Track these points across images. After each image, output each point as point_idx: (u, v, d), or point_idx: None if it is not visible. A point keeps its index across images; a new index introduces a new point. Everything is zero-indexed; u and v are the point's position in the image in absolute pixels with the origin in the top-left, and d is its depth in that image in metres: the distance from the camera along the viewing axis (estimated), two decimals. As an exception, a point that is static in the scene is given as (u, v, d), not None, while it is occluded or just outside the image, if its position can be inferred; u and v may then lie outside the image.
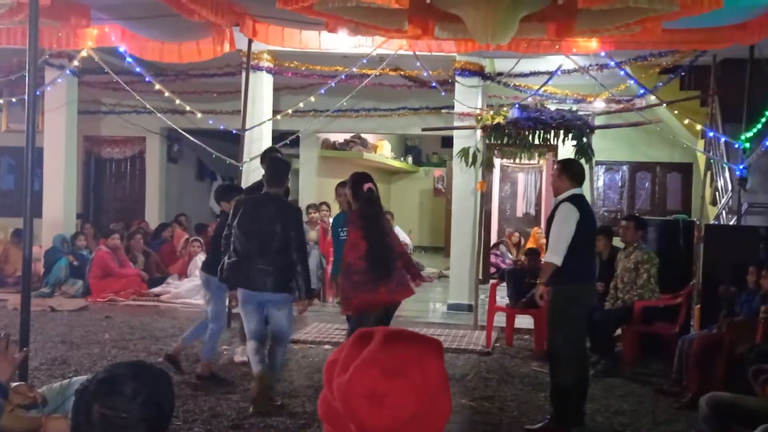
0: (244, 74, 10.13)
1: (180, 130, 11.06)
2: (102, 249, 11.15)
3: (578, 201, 5.60)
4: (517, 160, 12.62)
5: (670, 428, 5.84)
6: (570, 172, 5.75)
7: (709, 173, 10.75)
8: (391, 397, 1.28)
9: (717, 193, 10.58)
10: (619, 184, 13.78)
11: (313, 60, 10.91)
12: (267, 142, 10.82)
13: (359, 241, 5.60)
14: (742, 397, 4.82)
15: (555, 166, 6.05)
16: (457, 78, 10.59)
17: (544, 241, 13.79)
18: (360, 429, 1.30)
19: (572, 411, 5.57)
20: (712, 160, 10.66)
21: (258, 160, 10.43)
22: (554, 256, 5.53)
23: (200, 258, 11.56)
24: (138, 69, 10.39)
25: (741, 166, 9.52)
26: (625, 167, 13.67)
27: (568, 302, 5.61)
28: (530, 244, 13.74)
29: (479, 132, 9.80)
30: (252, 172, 10.47)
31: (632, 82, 10.57)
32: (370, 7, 6.89)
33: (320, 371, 1.44)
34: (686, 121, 11.02)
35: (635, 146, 13.11)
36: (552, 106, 9.80)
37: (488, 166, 10.21)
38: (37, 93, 5.88)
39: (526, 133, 9.04)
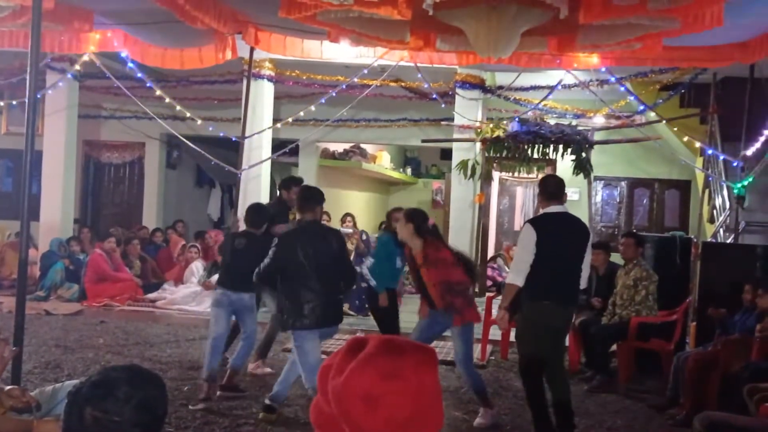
0: (245, 82, 10.16)
1: (180, 137, 11.06)
2: (97, 252, 11.14)
3: (540, 221, 5.57)
4: (516, 174, 12.64)
5: (663, 445, 5.83)
6: (542, 189, 5.72)
7: (707, 191, 10.76)
8: (386, 400, 1.28)
9: (715, 211, 10.59)
10: (617, 200, 13.79)
11: (315, 69, 10.94)
12: (267, 151, 10.84)
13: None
14: (736, 416, 4.81)
15: None
16: (458, 90, 10.62)
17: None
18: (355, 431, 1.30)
19: (541, 425, 5.60)
20: (710, 178, 10.67)
21: (257, 168, 10.50)
22: (512, 276, 5.64)
23: (197, 265, 11.56)
24: (139, 74, 10.40)
25: (739, 185, 9.52)
26: (623, 183, 13.68)
27: (524, 320, 5.74)
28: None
29: (478, 145, 9.82)
30: (250, 180, 10.48)
31: (632, 98, 10.60)
32: (372, 17, 6.91)
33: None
34: (685, 139, 11.04)
35: (634, 162, 13.14)
36: (552, 121, 9.83)
37: (487, 179, 10.24)
38: (38, 96, 5.88)
39: (526, 146, 9.07)
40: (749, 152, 9.56)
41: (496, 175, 13.56)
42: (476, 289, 6.33)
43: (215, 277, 10.85)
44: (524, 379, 5.74)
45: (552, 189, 5.64)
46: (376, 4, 6.39)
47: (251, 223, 6.55)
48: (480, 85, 10.69)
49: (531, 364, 5.67)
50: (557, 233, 5.53)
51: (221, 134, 11.18)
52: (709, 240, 9.89)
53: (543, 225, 5.50)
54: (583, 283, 5.72)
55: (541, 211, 5.63)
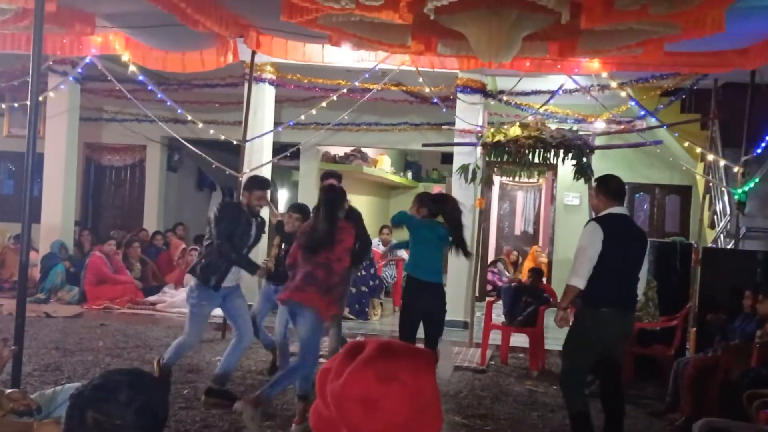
0: (246, 85, 10.17)
1: (181, 140, 11.07)
2: (96, 254, 11.14)
3: (607, 221, 5.23)
4: (517, 179, 12.63)
5: (663, 451, 5.82)
6: (604, 189, 5.39)
7: (707, 196, 10.76)
8: (384, 402, 1.28)
9: (715, 217, 10.59)
10: (619, 205, 13.77)
11: (316, 73, 10.94)
12: (268, 154, 10.84)
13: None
14: (735, 423, 4.81)
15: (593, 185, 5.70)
16: (459, 95, 10.62)
17: (542, 259, 13.85)
18: (353, 434, 1.30)
19: None
20: (711, 184, 10.67)
21: (258, 171, 10.49)
22: (575, 278, 5.21)
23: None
24: (141, 77, 10.42)
25: (740, 190, 9.52)
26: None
27: (579, 327, 5.34)
28: (529, 263, 13.74)
29: (479, 149, 9.82)
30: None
31: (633, 103, 10.60)
32: (373, 22, 6.93)
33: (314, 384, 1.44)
34: (686, 144, 11.04)
35: (635, 167, 13.13)
36: (552, 126, 9.83)
37: (487, 184, 10.22)
38: (39, 99, 5.89)
39: (526, 151, 9.05)
40: (750, 157, 9.57)
41: (496, 179, 13.58)
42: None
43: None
44: (565, 389, 5.46)
45: (616, 189, 5.38)
46: (378, 9, 6.40)
47: None
48: (481, 90, 10.69)
49: (573, 374, 5.38)
50: (621, 236, 5.25)
51: (222, 137, 11.18)
52: (709, 246, 9.89)
53: (609, 225, 5.18)
54: (639, 293, 5.43)
55: (605, 212, 5.31)
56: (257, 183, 6.49)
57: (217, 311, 10.04)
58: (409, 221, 6.71)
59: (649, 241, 5.57)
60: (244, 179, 10.11)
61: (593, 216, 5.51)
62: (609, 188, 5.37)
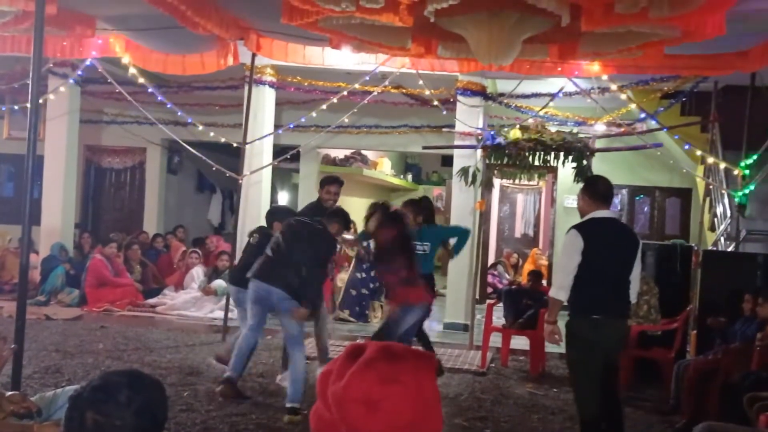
0: (246, 88, 10.17)
1: (181, 142, 11.07)
2: (97, 257, 11.13)
3: (588, 227, 5.05)
4: (517, 181, 12.63)
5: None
6: (591, 190, 5.20)
7: (708, 199, 10.76)
8: (386, 403, 1.29)
9: (715, 219, 10.59)
10: (618, 208, 13.77)
11: (316, 76, 10.95)
12: (268, 156, 10.84)
13: None
14: (735, 426, 4.80)
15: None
16: (459, 97, 10.62)
17: (543, 262, 13.85)
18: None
19: None
20: (711, 186, 10.67)
21: (258, 174, 10.51)
22: (557, 290, 5.09)
23: (197, 270, 11.56)
24: (141, 80, 10.42)
25: (740, 193, 9.52)
26: (624, 191, 13.67)
27: (570, 336, 5.16)
28: (529, 265, 13.74)
29: (479, 152, 9.82)
30: (251, 186, 10.49)
31: (633, 106, 10.60)
32: (374, 24, 6.93)
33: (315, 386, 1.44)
34: (686, 147, 11.04)
35: (635, 170, 13.13)
36: (553, 128, 9.83)
37: (488, 186, 10.24)
38: (40, 101, 5.89)
39: (526, 154, 9.06)
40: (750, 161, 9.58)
41: (497, 182, 13.58)
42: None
43: (215, 283, 10.90)
44: (575, 397, 5.26)
45: (602, 191, 5.18)
46: (378, 11, 6.40)
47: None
48: (481, 92, 10.69)
49: (580, 383, 5.15)
50: (606, 240, 5.06)
51: (222, 140, 11.18)
52: (709, 248, 9.88)
53: (591, 231, 5.00)
54: (633, 297, 5.24)
55: (587, 217, 5.14)
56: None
57: (218, 313, 10.10)
58: None
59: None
60: (244, 181, 10.16)
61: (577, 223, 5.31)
62: (596, 190, 5.18)
